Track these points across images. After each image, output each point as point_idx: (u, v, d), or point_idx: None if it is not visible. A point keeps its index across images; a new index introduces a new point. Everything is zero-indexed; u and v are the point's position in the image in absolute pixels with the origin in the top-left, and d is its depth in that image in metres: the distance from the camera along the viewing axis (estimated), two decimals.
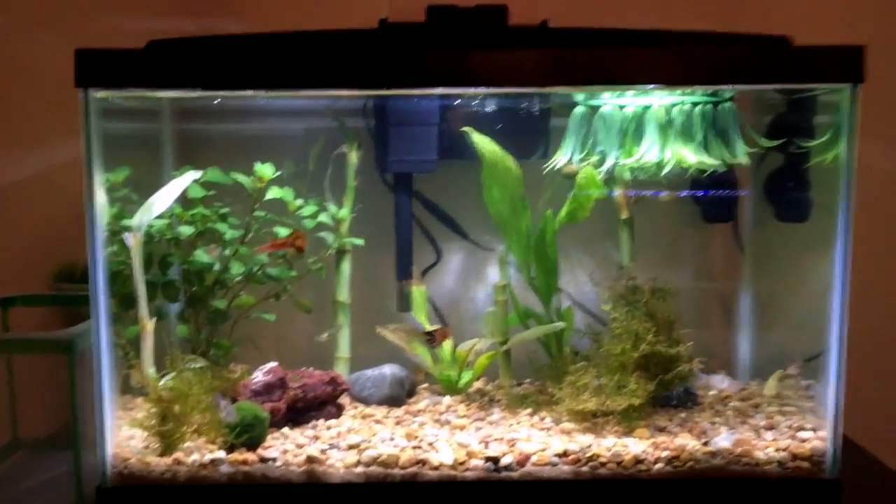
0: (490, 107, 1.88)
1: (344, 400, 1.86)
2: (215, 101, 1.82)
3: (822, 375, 1.57)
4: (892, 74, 1.92)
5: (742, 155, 1.70)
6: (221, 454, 1.54)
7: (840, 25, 2.01)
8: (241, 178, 1.79)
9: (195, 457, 1.53)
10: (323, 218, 1.88)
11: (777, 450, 1.57)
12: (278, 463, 1.54)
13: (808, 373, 1.78)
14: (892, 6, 2.04)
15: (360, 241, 1.92)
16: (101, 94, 1.48)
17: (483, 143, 1.80)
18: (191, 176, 1.66)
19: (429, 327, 1.86)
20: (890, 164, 2.05)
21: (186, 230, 1.76)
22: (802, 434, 1.62)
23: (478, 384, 1.98)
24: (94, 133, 1.48)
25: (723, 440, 1.58)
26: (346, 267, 1.95)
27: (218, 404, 1.56)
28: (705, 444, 1.58)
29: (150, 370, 1.60)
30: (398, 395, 1.87)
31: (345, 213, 1.91)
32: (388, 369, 1.90)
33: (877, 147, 2.01)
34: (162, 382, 1.58)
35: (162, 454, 1.55)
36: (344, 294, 1.95)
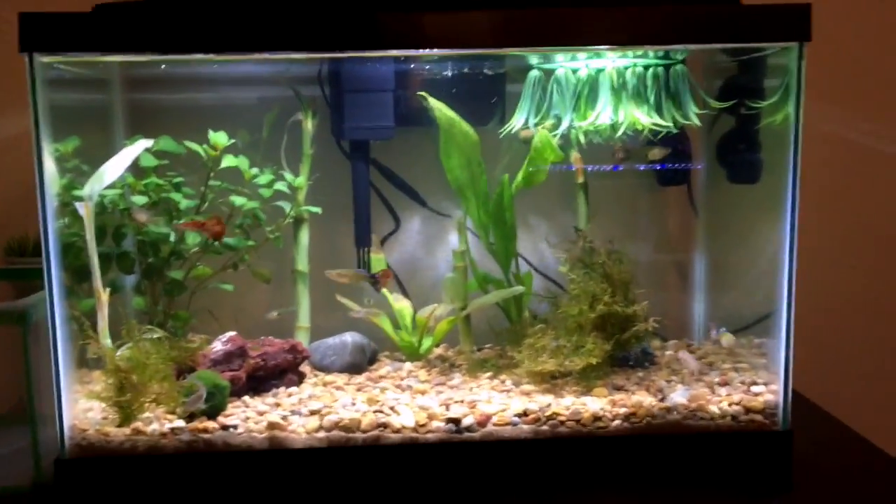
0: (446, 72, 1.88)
1: (305, 368, 1.86)
2: (166, 69, 1.79)
3: (772, 332, 1.61)
4: (841, 35, 1.97)
5: (694, 117, 1.72)
6: (181, 423, 1.53)
7: None
8: (195, 146, 1.77)
9: (154, 426, 1.52)
10: (279, 186, 1.86)
11: (730, 404, 1.60)
12: (240, 430, 1.54)
13: (760, 331, 1.82)
14: None
15: (317, 210, 1.91)
16: (46, 59, 1.45)
17: (439, 108, 1.80)
18: (142, 144, 1.64)
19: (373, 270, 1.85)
20: (839, 126, 2.09)
21: (140, 200, 1.74)
22: (755, 389, 1.66)
23: (439, 350, 2.00)
24: (40, 100, 1.45)
25: (678, 396, 1.62)
26: (304, 236, 1.94)
27: (185, 390, 1.55)
28: (661, 400, 1.61)
29: (107, 342, 1.58)
30: (359, 363, 1.88)
31: (301, 181, 1.90)
32: (350, 337, 1.90)
33: (828, 108, 2.06)
34: (118, 353, 1.56)
35: (120, 425, 1.54)
36: (303, 263, 1.94)
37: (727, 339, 1.86)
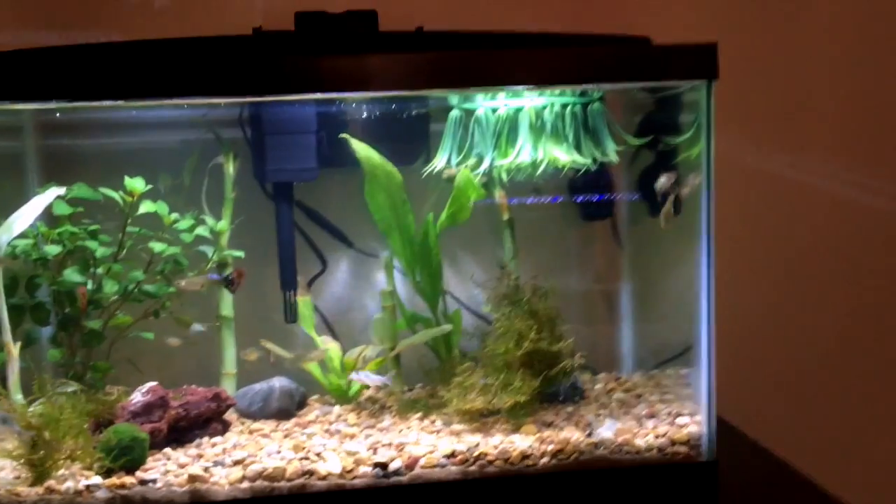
0: (369, 113, 1.89)
1: (231, 416, 1.82)
2: (81, 114, 1.76)
3: (695, 363, 1.63)
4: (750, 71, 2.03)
5: (612, 153, 1.75)
6: (97, 479, 1.48)
7: (694, 23, 2.10)
8: (111, 192, 1.73)
9: (69, 484, 1.47)
10: (201, 231, 1.83)
11: (657, 436, 1.62)
12: (159, 484, 1.49)
13: (686, 362, 1.84)
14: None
15: (239, 254, 1.88)
16: None
17: (362, 149, 1.79)
18: (54, 192, 1.60)
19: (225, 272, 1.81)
20: (752, 159, 2.15)
21: (53, 249, 1.69)
22: (680, 420, 1.68)
23: (369, 392, 1.97)
24: None
25: (605, 430, 1.62)
26: None
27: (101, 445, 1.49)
28: (588, 435, 1.62)
29: (18, 397, 1.52)
30: (288, 408, 1.84)
31: (223, 225, 1.87)
32: (277, 382, 1.86)
33: (739, 143, 2.12)
34: (31, 409, 1.50)
35: (33, 484, 1.48)
36: (227, 308, 1.91)
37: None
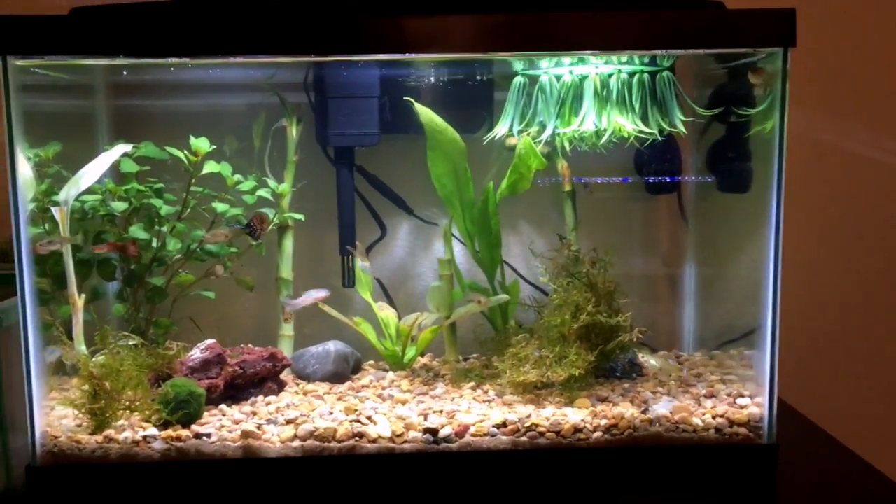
0: (434, 79, 1.87)
1: (287, 377, 1.84)
2: (151, 75, 1.79)
3: (759, 344, 1.58)
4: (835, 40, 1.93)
5: (680, 124, 1.69)
6: (154, 431, 1.51)
7: None
8: (176, 152, 1.76)
9: (127, 434, 1.50)
10: (263, 193, 1.85)
11: (715, 416, 1.57)
12: (213, 439, 1.52)
13: (750, 343, 1.78)
14: None
15: (300, 217, 1.89)
16: (21, 62, 1.44)
17: (425, 114, 1.77)
18: (120, 149, 1.63)
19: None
20: (827, 135, 2.06)
21: (120, 206, 1.73)
22: (741, 401, 1.63)
23: (424, 360, 1.97)
24: (15, 104, 1.44)
25: (661, 407, 1.58)
26: (288, 243, 1.92)
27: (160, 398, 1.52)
28: (644, 412, 1.58)
29: (81, 348, 1.57)
30: (342, 372, 1.85)
31: (285, 188, 1.88)
32: (333, 346, 1.88)
33: (815, 117, 2.03)
34: (94, 360, 1.55)
35: (94, 432, 1.52)
36: (287, 271, 1.93)
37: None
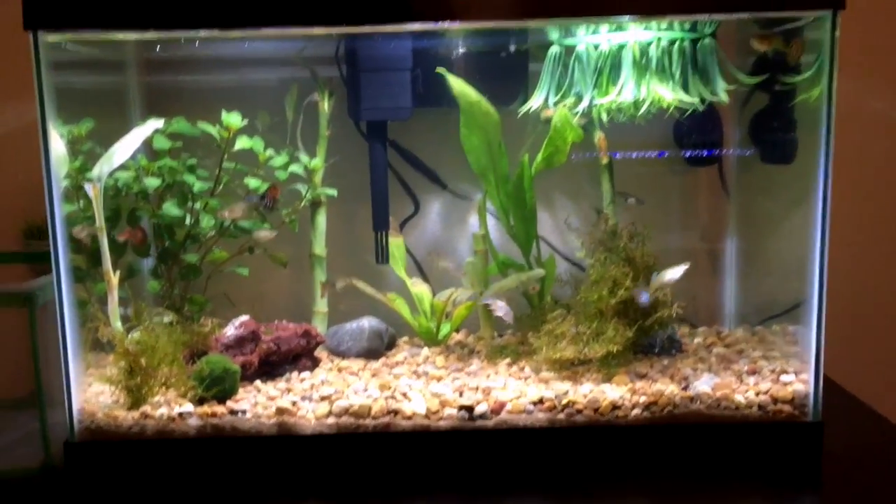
0: (465, 51, 1.83)
1: (322, 354, 1.83)
2: (182, 50, 1.77)
3: (804, 319, 1.53)
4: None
5: (722, 93, 1.64)
6: (189, 407, 1.51)
7: None
8: (208, 127, 1.74)
9: (163, 410, 1.51)
10: (295, 169, 1.83)
11: (758, 394, 1.53)
12: (248, 415, 1.51)
13: (794, 319, 1.74)
14: None
15: (332, 192, 1.88)
16: (52, 37, 1.43)
17: (458, 86, 1.74)
18: (152, 125, 1.61)
19: (261, 191, 1.76)
20: (877, 103, 1.98)
21: (153, 182, 1.72)
22: (785, 378, 1.58)
23: (459, 336, 1.95)
24: (46, 80, 1.43)
25: (702, 384, 1.55)
26: (321, 219, 1.90)
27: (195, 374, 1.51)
28: (684, 388, 1.54)
29: (117, 325, 1.57)
30: (377, 348, 1.84)
31: (318, 163, 1.86)
32: (367, 322, 1.86)
33: (864, 85, 1.95)
34: (129, 336, 1.55)
35: (130, 408, 1.53)
36: (320, 247, 1.91)
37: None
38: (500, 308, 1.71)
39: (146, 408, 1.51)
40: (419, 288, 1.92)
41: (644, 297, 1.60)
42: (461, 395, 1.57)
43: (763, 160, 1.85)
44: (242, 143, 1.76)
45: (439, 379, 1.66)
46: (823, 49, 1.45)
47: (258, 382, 1.65)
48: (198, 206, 1.77)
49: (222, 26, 1.47)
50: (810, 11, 1.45)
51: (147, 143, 1.70)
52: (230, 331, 1.68)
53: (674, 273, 1.63)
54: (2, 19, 1.89)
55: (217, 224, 1.77)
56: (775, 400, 1.52)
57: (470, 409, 1.51)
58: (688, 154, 1.92)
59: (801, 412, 1.51)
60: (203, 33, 1.52)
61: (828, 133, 1.46)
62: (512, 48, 1.84)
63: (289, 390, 1.62)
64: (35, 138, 1.88)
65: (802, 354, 1.56)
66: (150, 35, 1.51)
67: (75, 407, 1.49)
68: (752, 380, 1.60)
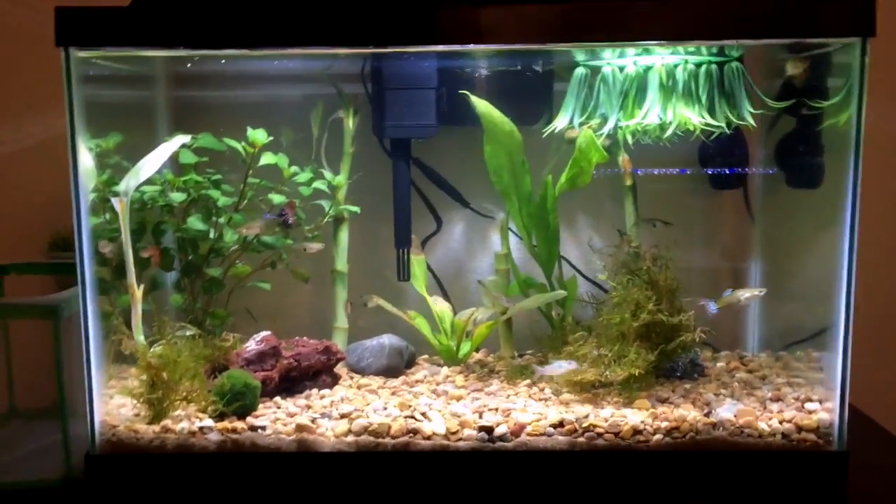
0: (490, 71, 1.83)
1: (341, 371, 1.83)
2: (210, 66, 1.79)
3: (830, 346, 1.51)
4: None
5: (749, 117, 1.63)
6: (210, 422, 1.51)
7: None
8: (234, 143, 1.76)
9: (184, 424, 1.51)
10: (319, 185, 1.84)
11: (781, 421, 1.51)
12: (268, 431, 1.51)
13: (818, 345, 1.72)
14: None
15: (355, 209, 1.88)
16: (83, 53, 1.45)
17: (482, 106, 1.74)
18: (179, 140, 1.63)
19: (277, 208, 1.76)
20: None
21: (178, 196, 1.73)
22: (809, 406, 1.56)
23: (479, 355, 1.95)
24: (76, 95, 1.45)
25: (725, 411, 1.53)
26: (343, 235, 1.91)
27: (216, 389, 1.51)
28: (707, 415, 1.53)
29: (140, 338, 1.58)
30: (396, 366, 1.84)
31: (341, 180, 1.87)
32: (387, 339, 1.86)
33: (891, 110, 1.94)
34: (151, 350, 1.55)
35: (151, 422, 1.53)
36: (342, 263, 1.92)
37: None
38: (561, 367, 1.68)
39: (167, 422, 1.52)
40: (440, 306, 1.92)
41: (712, 308, 1.59)
42: (481, 416, 1.56)
43: (789, 184, 1.84)
44: (267, 158, 1.77)
45: (459, 398, 1.66)
46: (853, 75, 1.44)
47: (278, 398, 1.65)
48: (222, 220, 1.78)
49: (250, 46, 1.48)
50: (840, 39, 1.44)
51: (173, 158, 1.72)
52: (251, 346, 1.69)
53: (750, 294, 1.62)
54: (27, 33, 1.95)
55: (240, 239, 1.78)
56: (799, 428, 1.50)
57: (490, 430, 1.51)
58: (713, 176, 1.91)
59: (825, 441, 1.49)
60: (231, 52, 1.53)
61: (856, 158, 1.45)
62: (536, 68, 1.84)
63: (308, 407, 1.62)
64: (62, 150, 1.91)
65: (827, 382, 1.55)
66: (179, 53, 1.52)
67: (97, 419, 1.50)
68: (775, 407, 1.58)
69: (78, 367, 1.50)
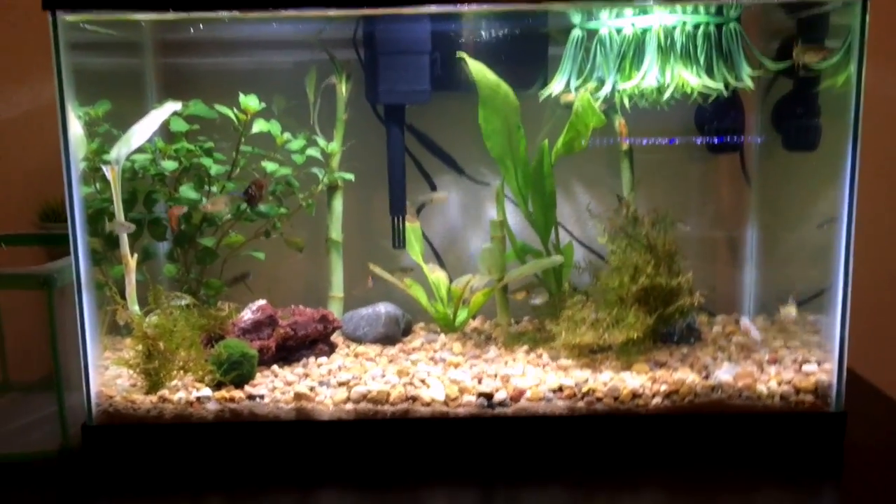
0: (485, 34, 1.80)
1: (337, 339, 1.82)
2: (198, 32, 1.76)
3: (827, 308, 1.51)
4: None
5: (747, 79, 1.62)
6: (208, 391, 1.50)
7: None
8: (226, 110, 1.73)
9: (181, 394, 1.50)
10: (312, 153, 1.81)
11: (780, 383, 1.51)
12: (266, 400, 1.50)
13: (815, 307, 1.72)
14: None
15: (349, 176, 1.86)
16: (71, 17, 1.42)
17: (477, 69, 1.72)
18: (170, 107, 1.60)
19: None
20: None
21: (170, 165, 1.71)
22: (807, 367, 1.57)
23: (475, 323, 1.94)
24: (64, 59, 1.41)
25: (724, 373, 1.53)
26: (338, 204, 1.89)
27: (213, 358, 1.50)
28: (705, 377, 1.53)
29: (135, 308, 1.56)
30: (393, 334, 1.83)
31: (335, 147, 1.85)
32: (383, 308, 1.85)
33: (891, 72, 1.92)
34: (147, 320, 1.54)
35: (148, 392, 1.52)
36: (336, 232, 1.90)
37: (787, 312, 1.75)
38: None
39: (164, 392, 1.51)
40: (436, 274, 1.91)
41: (754, 333, 1.60)
42: (480, 382, 1.55)
43: (786, 147, 1.83)
44: (260, 126, 1.75)
45: (457, 366, 1.65)
46: (853, 36, 1.42)
47: (275, 367, 1.64)
48: (214, 189, 1.75)
49: (240, 7, 1.45)
50: None
51: (164, 126, 1.69)
52: (247, 315, 1.67)
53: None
54: (16, 2, 1.90)
55: (233, 207, 1.76)
56: (798, 390, 1.50)
57: (489, 396, 1.50)
58: (710, 140, 1.89)
59: (823, 402, 1.50)
60: (221, 14, 1.50)
61: (856, 120, 1.44)
62: (532, 31, 1.81)
63: (306, 375, 1.61)
64: (50, 120, 1.88)
65: (824, 344, 1.55)
66: (168, 16, 1.49)
67: (93, 390, 1.48)
68: (773, 369, 1.58)
69: (71, 338, 1.48)
